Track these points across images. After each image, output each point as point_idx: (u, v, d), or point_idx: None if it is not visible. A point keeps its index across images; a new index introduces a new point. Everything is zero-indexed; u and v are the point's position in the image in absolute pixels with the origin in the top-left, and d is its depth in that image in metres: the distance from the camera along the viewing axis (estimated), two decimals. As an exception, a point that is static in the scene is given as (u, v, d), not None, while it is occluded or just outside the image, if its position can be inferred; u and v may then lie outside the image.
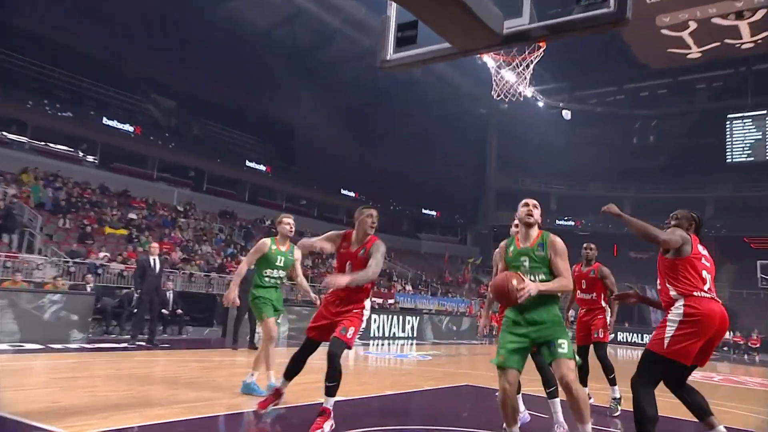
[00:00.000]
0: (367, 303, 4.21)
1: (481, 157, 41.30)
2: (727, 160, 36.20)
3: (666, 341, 3.31)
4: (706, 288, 3.41)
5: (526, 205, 3.66)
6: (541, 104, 34.71)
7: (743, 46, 24.99)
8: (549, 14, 2.60)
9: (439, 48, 2.82)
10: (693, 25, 22.88)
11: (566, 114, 35.18)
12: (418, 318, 17.32)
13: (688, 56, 26.35)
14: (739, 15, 22.21)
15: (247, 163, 29.66)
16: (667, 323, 3.36)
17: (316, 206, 34.20)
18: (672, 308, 3.39)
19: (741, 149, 36.06)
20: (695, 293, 3.37)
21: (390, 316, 16.37)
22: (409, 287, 27.03)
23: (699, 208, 36.60)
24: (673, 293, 3.42)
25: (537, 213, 3.64)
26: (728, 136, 36.44)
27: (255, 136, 31.30)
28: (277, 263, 5.35)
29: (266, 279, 5.33)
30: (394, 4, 2.90)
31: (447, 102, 35.86)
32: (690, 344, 3.27)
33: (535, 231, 3.62)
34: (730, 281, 32.32)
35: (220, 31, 26.06)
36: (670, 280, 3.45)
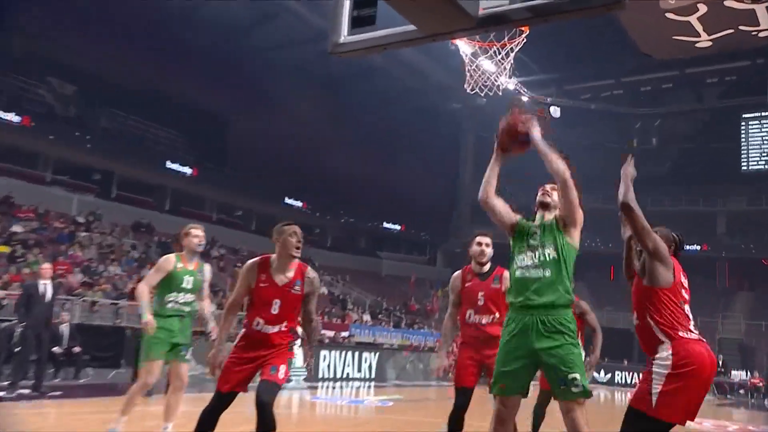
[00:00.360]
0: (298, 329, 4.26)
1: (454, 160, 41.87)
2: (743, 168, 37.54)
3: (654, 398, 3.30)
4: (692, 326, 3.45)
5: (543, 188, 3.95)
6: (525, 99, 35.47)
7: (761, 34, 25.79)
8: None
9: (403, 31, 2.86)
10: (702, 9, 23.63)
11: (555, 111, 36.10)
12: (377, 354, 17.31)
13: (697, 45, 27.07)
14: None
15: (168, 164, 29.23)
16: (653, 375, 3.35)
17: (254, 218, 33.92)
18: (656, 355, 3.39)
19: (758, 155, 37.37)
20: (682, 333, 3.39)
21: (343, 353, 16.32)
22: (366, 317, 27.02)
23: (709, 223, 38.22)
24: (658, 333, 3.41)
25: (557, 195, 3.84)
26: (743, 140, 37.80)
27: (178, 130, 30.91)
28: (184, 285, 5.31)
29: (169, 306, 5.28)
30: (347, -22, 2.93)
31: (413, 94, 36.28)
32: (683, 401, 3.29)
33: (552, 215, 3.83)
34: (745, 311, 33.39)
35: (136, 2, 25.71)
36: (653, 316, 3.45)
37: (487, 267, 4.98)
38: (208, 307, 5.66)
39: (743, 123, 37.61)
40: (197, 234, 5.48)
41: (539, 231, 3.74)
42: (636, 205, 3.45)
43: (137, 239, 24.53)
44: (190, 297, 5.37)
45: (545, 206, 3.86)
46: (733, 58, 32.61)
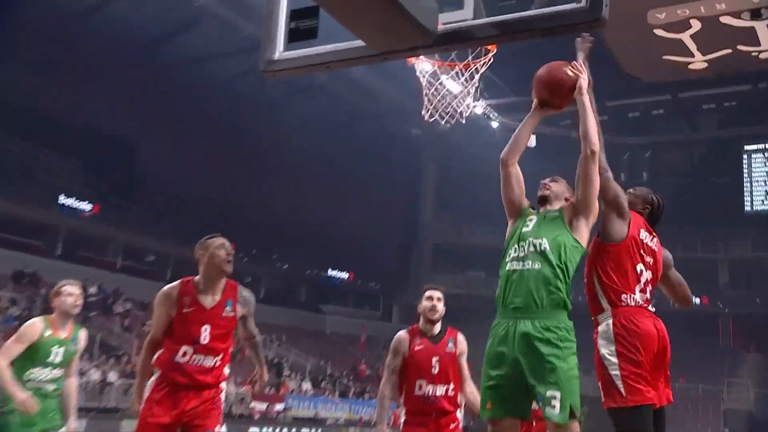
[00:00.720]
0: (224, 384, 4.25)
1: (412, 196, 42.22)
2: (746, 209, 38.41)
3: (621, 387, 3.58)
4: (638, 291, 3.75)
5: (542, 182, 4.04)
6: (495, 125, 36.18)
7: (761, 56, 26.69)
8: (500, 7, 2.78)
9: (350, 47, 2.92)
10: (696, 25, 24.53)
11: (531, 139, 37.00)
12: (319, 433, 17.08)
13: (691, 66, 28.15)
14: (756, 13, 23.59)
15: (62, 200, 28.67)
16: (605, 362, 3.64)
17: (170, 264, 33.33)
18: (598, 327, 3.74)
19: (764, 193, 38.24)
20: (625, 298, 3.71)
21: (278, 431, 16.06)
22: (307, 385, 26.71)
23: (710, 272, 39.00)
24: (601, 299, 3.76)
25: (557, 186, 4.00)
26: (746, 175, 38.69)
27: (75, 158, 30.42)
28: (51, 359, 5.06)
29: (27, 384, 4.96)
30: (283, -16, 2.99)
31: (364, 119, 36.72)
32: (646, 379, 3.60)
33: (557, 206, 3.91)
34: (753, 376, 33.68)
35: (26, 6, 25.49)
36: (600, 277, 3.80)
37: (438, 327, 4.95)
38: (74, 386, 5.41)
39: (745, 155, 38.60)
40: (71, 292, 5.28)
41: (535, 219, 3.81)
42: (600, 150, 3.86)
43: (19, 292, 23.82)
44: (57, 372, 5.11)
45: (545, 200, 3.94)
46: (733, 82, 33.43)
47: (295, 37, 3.00)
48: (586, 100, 3.91)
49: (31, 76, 27.04)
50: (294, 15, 3.01)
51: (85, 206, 29.37)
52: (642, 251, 3.83)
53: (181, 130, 30.60)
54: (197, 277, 4.16)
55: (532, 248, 3.64)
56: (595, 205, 3.76)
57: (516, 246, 3.71)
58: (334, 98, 33.98)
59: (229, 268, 4.15)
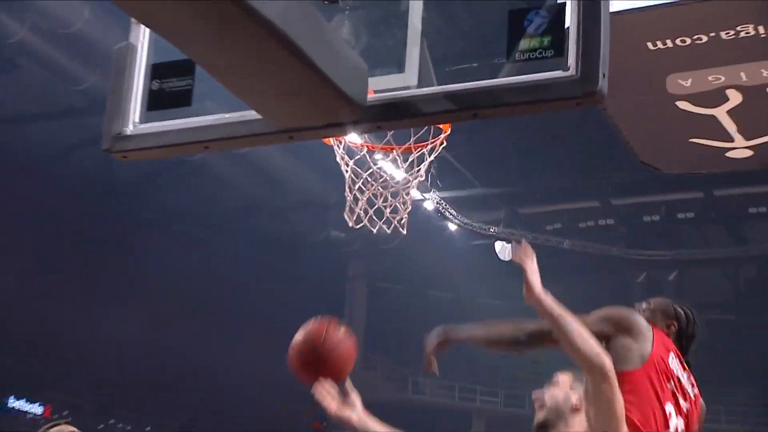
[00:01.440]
0: None
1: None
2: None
3: None
4: None
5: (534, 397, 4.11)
6: (453, 228, 36.44)
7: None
8: (455, 72, 2.85)
9: (239, 120, 2.94)
10: (735, 98, 25.37)
11: (503, 250, 37.22)
12: None
13: (730, 154, 28.90)
14: None
15: None
16: None
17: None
18: None
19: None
20: None
21: None
22: None
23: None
24: None
25: (556, 393, 3.96)
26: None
27: None
28: None
29: None
30: (142, 27, 3.01)
31: (262, 216, 36.69)
32: None
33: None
34: None
35: None
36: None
37: None
38: None
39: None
40: None
41: None
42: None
43: None
44: None
45: (542, 428, 3.96)
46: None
47: (158, 103, 3.02)
48: (547, 303, 3.80)
49: None
50: (157, 71, 3.04)
51: None
52: (672, 384, 3.95)
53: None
54: None
55: None
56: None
57: None
58: (215, 182, 33.85)
59: None
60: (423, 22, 2.85)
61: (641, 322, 3.96)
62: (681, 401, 3.90)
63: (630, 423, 3.70)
